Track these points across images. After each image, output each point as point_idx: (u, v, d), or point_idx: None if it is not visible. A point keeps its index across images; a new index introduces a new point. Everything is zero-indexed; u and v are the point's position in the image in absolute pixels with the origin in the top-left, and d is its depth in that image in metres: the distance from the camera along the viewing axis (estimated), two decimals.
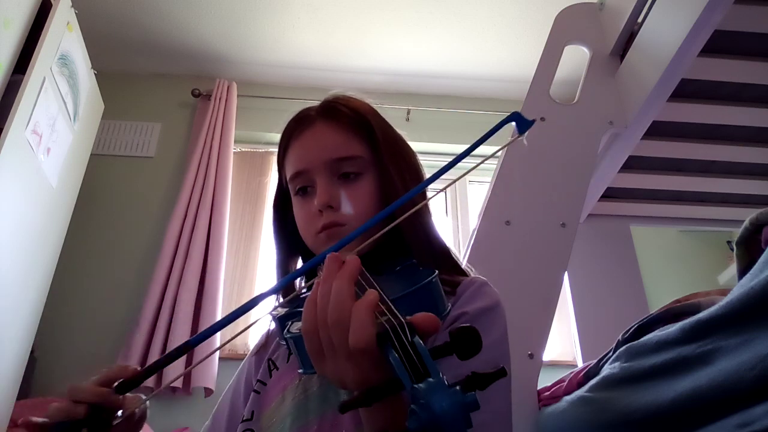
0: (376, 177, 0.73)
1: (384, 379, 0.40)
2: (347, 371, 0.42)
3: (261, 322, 0.80)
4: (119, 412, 0.53)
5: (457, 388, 0.32)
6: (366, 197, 0.71)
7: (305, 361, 0.53)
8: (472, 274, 0.74)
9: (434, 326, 0.40)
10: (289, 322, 0.58)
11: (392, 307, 0.42)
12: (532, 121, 0.55)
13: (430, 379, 0.33)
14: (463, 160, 0.54)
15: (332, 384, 0.45)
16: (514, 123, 0.55)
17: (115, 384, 0.52)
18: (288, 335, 0.54)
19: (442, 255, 0.74)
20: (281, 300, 0.76)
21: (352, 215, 0.69)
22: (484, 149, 0.52)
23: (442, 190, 0.64)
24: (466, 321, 0.61)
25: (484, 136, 0.56)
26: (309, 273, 0.79)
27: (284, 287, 0.76)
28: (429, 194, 0.71)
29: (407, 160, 0.78)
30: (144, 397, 0.56)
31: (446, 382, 0.33)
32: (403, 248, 0.70)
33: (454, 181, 0.59)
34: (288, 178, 0.76)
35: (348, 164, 0.72)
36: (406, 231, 0.70)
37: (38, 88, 1.68)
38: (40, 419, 0.51)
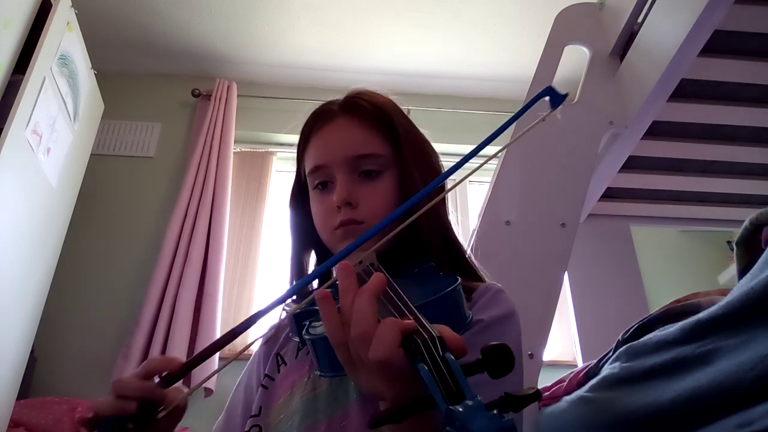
0: (397, 176, 0.72)
1: (415, 394, 0.39)
2: (378, 383, 0.42)
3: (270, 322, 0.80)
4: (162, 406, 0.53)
5: (495, 411, 0.31)
6: (385, 196, 0.71)
7: (323, 364, 0.52)
8: (487, 280, 0.73)
9: (463, 351, 0.40)
10: (307, 322, 0.57)
11: (422, 319, 0.41)
12: (565, 95, 0.55)
13: (468, 402, 0.32)
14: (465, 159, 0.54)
15: (368, 394, 0.45)
16: (547, 98, 0.55)
17: (161, 376, 0.52)
18: (308, 336, 0.53)
19: (459, 259, 0.74)
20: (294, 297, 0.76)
21: (370, 213, 0.69)
22: (488, 150, 0.51)
23: (452, 188, 0.63)
24: (481, 328, 0.61)
25: (515, 114, 0.56)
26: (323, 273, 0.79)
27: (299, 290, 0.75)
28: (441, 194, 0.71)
29: (428, 160, 0.77)
30: (186, 389, 0.55)
31: (484, 405, 0.32)
32: (420, 250, 0.70)
33: (462, 180, 0.59)
34: (307, 172, 0.75)
35: (369, 162, 0.71)
36: (424, 232, 0.69)
37: (38, 88, 1.68)
38: (90, 415, 0.50)
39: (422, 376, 0.36)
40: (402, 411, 0.35)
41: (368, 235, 0.52)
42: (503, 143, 0.62)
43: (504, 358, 0.36)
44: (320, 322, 0.56)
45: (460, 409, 0.31)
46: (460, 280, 0.54)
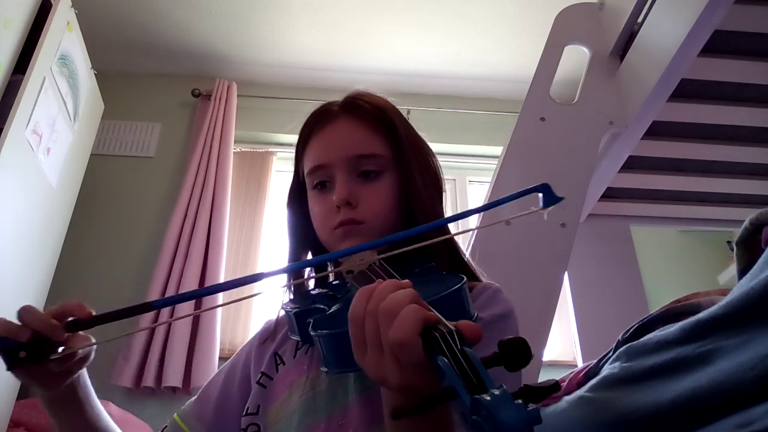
0: (396, 177, 0.73)
1: (423, 385, 0.39)
2: (388, 368, 0.41)
3: (264, 318, 0.81)
4: (60, 348, 0.53)
5: (520, 401, 0.31)
6: (385, 196, 0.71)
7: (329, 359, 0.53)
8: (484, 280, 0.74)
9: (479, 336, 0.39)
10: (311, 319, 0.57)
11: (438, 314, 0.41)
12: (560, 199, 0.53)
13: (495, 391, 0.32)
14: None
15: (372, 380, 0.43)
16: (540, 194, 0.54)
17: (67, 320, 0.52)
18: (314, 333, 0.53)
19: (458, 259, 0.74)
20: (291, 296, 0.76)
21: (369, 213, 0.69)
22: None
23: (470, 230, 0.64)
24: (481, 327, 0.61)
25: (505, 198, 0.55)
26: (318, 269, 0.79)
27: (293, 272, 0.75)
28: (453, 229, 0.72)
29: (427, 161, 0.78)
30: (93, 340, 0.56)
31: (511, 395, 0.32)
32: (420, 250, 0.70)
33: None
34: (306, 172, 0.76)
35: (369, 162, 0.72)
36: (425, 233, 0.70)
37: (38, 88, 1.68)
38: None
39: (442, 368, 0.36)
40: (426, 402, 0.35)
41: (382, 241, 0.53)
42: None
43: (521, 352, 0.36)
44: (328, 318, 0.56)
45: (487, 398, 0.31)
46: (465, 279, 0.55)
